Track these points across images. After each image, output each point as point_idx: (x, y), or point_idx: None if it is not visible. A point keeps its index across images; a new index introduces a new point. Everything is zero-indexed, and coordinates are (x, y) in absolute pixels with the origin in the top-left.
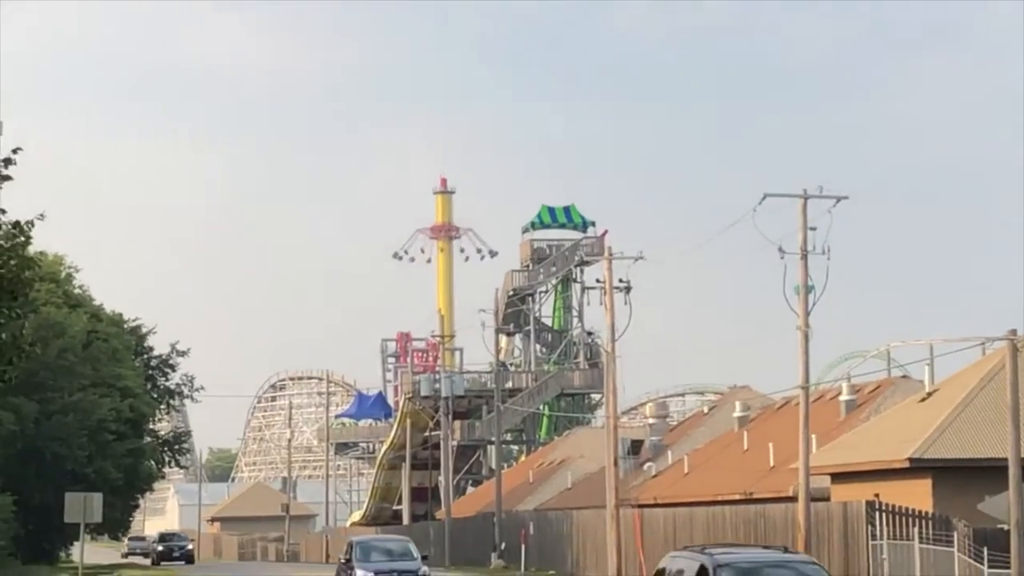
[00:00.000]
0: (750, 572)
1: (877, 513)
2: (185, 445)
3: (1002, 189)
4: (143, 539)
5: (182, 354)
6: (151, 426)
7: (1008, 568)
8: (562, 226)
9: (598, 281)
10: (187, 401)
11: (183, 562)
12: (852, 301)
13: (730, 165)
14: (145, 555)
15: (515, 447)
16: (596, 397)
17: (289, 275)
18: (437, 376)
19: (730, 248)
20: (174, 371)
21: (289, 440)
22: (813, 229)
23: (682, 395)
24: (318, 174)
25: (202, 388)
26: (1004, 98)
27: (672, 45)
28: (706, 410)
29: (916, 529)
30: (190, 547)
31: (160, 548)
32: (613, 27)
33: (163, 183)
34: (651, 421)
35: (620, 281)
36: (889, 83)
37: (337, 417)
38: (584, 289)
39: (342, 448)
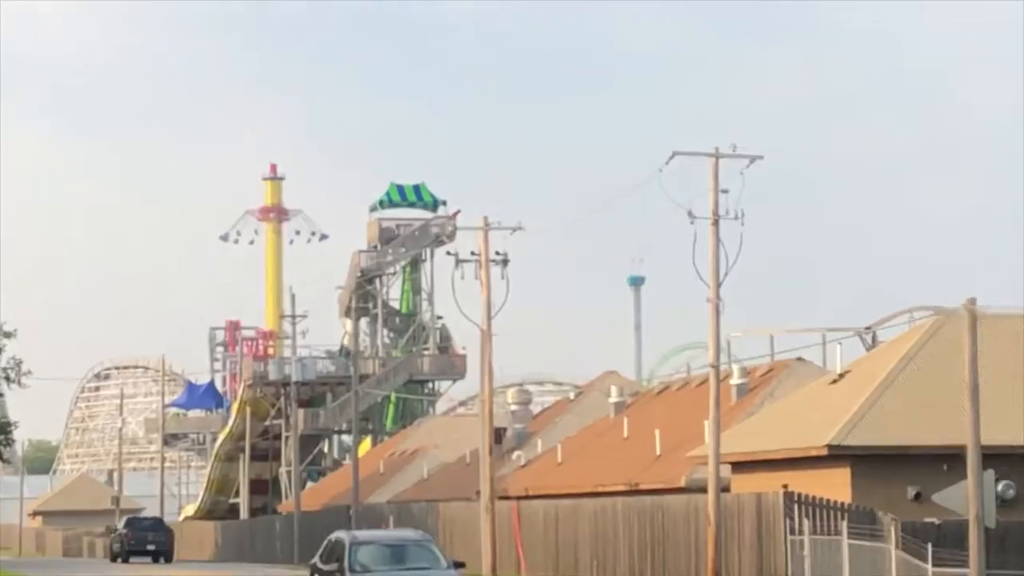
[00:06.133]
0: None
1: (796, 505)
2: (11, 436)
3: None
4: None
5: (8, 335)
6: None
7: (953, 567)
8: (412, 205)
9: (473, 254)
10: (9, 388)
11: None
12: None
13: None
14: None
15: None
16: (444, 385)
17: (111, 260)
18: (286, 360)
19: (590, 229)
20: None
21: (120, 429)
22: (725, 192)
23: (520, 384)
24: (147, 158)
25: (30, 372)
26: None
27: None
28: (572, 396)
29: (845, 523)
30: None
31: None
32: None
33: None
34: (513, 408)
35: (497, 254)
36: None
37: (167, 407)
38: (458, 262)
39: (171, 439)
